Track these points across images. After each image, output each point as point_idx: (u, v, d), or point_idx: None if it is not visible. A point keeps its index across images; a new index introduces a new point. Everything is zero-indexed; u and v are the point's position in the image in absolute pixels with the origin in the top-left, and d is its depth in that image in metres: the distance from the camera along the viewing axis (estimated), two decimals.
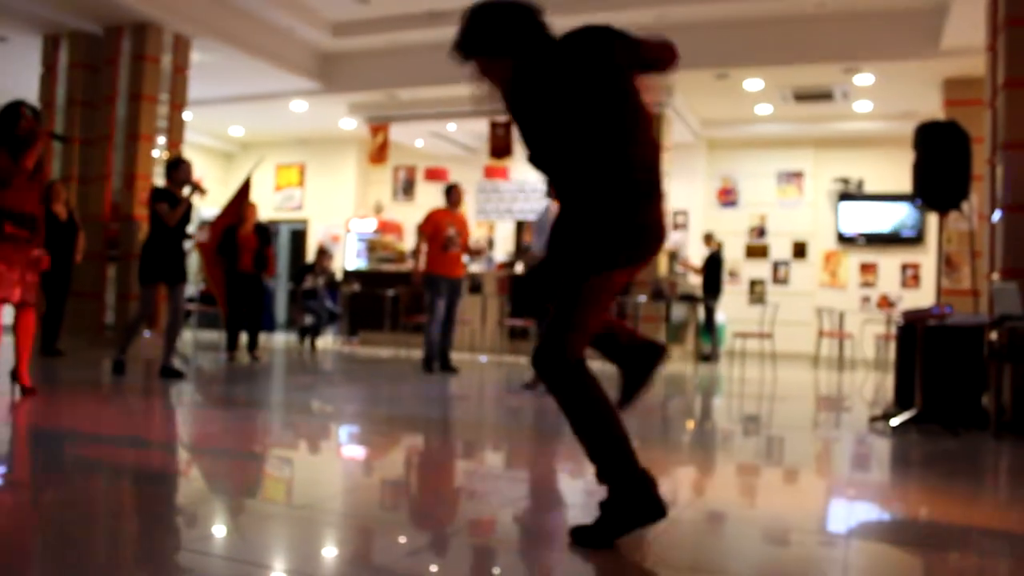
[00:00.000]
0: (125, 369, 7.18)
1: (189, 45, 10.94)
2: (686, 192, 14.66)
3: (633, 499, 2.67)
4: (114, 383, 6.84)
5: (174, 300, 7.15)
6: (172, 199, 7.06)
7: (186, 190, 7.13)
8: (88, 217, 10.47)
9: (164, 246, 7.09)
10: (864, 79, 11.26)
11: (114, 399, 6.18)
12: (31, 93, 11.41)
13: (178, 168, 7.22)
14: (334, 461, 4.40)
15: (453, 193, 8.88)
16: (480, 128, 13.74)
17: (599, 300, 2.78)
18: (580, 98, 2.69)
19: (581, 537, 2.70)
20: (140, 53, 10.43)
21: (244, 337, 9.77)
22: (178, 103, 10.88)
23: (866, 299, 14.15)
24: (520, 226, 15.99)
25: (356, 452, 4.64)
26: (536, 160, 2.84)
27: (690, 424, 6.31)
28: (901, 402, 6.20)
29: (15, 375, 5.61)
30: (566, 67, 2.72)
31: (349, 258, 15.61)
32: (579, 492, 3.54)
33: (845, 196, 14.39)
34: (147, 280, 7.13)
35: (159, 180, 10.64)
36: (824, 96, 12.31)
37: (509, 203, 15.94)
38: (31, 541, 2.60)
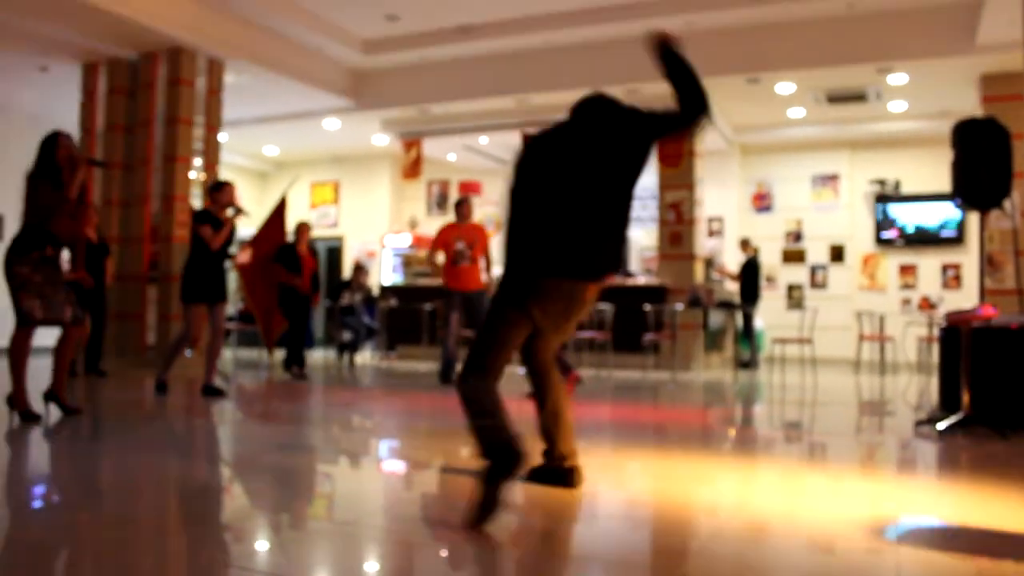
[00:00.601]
0: (168, 388, 7.27)
1: (222, 68, 11.08)
2: (720, 198, 14.59)
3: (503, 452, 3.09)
4: (157, 402, 6.93)
5: (215, 319, 7.26)
6: (215, 222, 7.16)
7: (229, 212, 7.24)
8: (129, 239, 10.63)
9: (206, 266, 7.20)
10: (898, 78, 11.14)
11: (157, 418, 6.25)
12: (72, 120, 11.63)
13: (221, 190, 7.32)
14: (375, 476, 4.41)
15: (463, 207, 9.09)
16: (513, 140, 13.76)
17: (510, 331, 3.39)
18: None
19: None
20: (175, 77, 10.58)
21: (281, 353, 9.83)
22: (213, 125, 11.01)
23: (907, 301, 13.96)
24: None
25: (397, 466, 4.65)
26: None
27: (731, 431, 6.25)
28: (947, 405, 6.10)
29: (52, 396, 5.72)
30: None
31: (385, 273, 15.69)
32: (621, 503, 3.52)
33: (882, 198, 14.23)
34: (189, 299, 7.24)
35: (197, 202, 10.79)
36: (858, 97, 12.18)
37: None
38: (80, 559, 2.64)
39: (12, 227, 13.26)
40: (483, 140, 14.50)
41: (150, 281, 10.58)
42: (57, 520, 3.17)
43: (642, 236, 15.06)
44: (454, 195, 16.63)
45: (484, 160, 15.76)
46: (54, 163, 5.60)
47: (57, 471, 4.28)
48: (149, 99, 10.75)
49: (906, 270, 14.14)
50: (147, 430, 5.63)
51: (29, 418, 5.44)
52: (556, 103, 12.40)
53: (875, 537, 3.09)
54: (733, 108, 13.04)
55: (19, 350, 5.51)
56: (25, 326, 5.48)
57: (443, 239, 8.94)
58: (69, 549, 2.77)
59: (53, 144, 5.65)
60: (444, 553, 2.84)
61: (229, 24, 10.70)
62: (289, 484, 3.94)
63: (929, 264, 14.00)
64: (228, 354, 12.17)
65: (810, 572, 2.69)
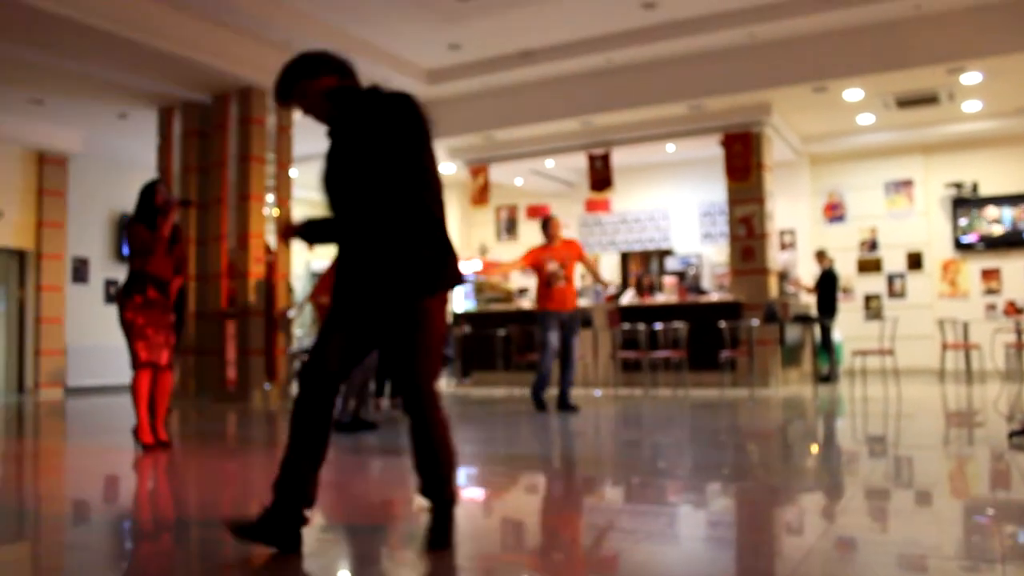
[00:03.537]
0: (374, 424, 7.31)
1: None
2: (791, 210, 14.38)
3: (281, 522, 2.98)
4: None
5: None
6: None
7: None
8: (207, 277, 10.91)
9: None
10: (971, 78, 10.86)
11: (241, 451, 6.38)
12: (149, 163, 12.04)
13: None
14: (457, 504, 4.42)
15: (549, 226, 8.76)
16: (578, 162, 13.78)
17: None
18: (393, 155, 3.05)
19: (237, 528, 2.99)
20: (246, 116, 10.87)
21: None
22: (284, 161, 11.27)
23: (991, 307, 13.55)
24: (625, 258, 15.93)
25: (477, 493, 4.66)
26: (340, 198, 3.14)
27: (814, 447, 6.13)
28: None
29: (138, 432, 5.99)
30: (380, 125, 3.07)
31: (458, 300, 15.78)
32: (704, 524, 3.48)
33: (959, 201, 13.87)
34: None
35: (271, 238, 11.04)
36: (929, 100, 11.92)
37: (612, 235, 15.91)
38: None
39: (97, 269, 13.82)
40: (549, 163, 14.56)
41: (228, 317, 10.83)
42: (159, 545, 3.25)
43: (713, 252, 14.92)
44: (523, 219, 16.72)
45: (551, 183, 15.82)
46: (152, 208, 5.99)
47: (160, 501, 4.40)
48: (222, 139, 11.06)
49: (989, 275, 13.73)
50: (229, 464, 5.76)
51: (148, 449, 5.90)
52: (620, 123, 12.51)
53: (971, 554, 2.99)
54: (800, 118, 12.88)
55: (136, 390, 5.93)
56: (136, 368, 5.92)
57: (533, 259, 8.63)
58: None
59: (151, 191, 6.06)
60: None
61: None
62: (371, 512, 3.98)
63: (1014, 267, 13.58)
64: None
65: None
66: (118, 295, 5.99)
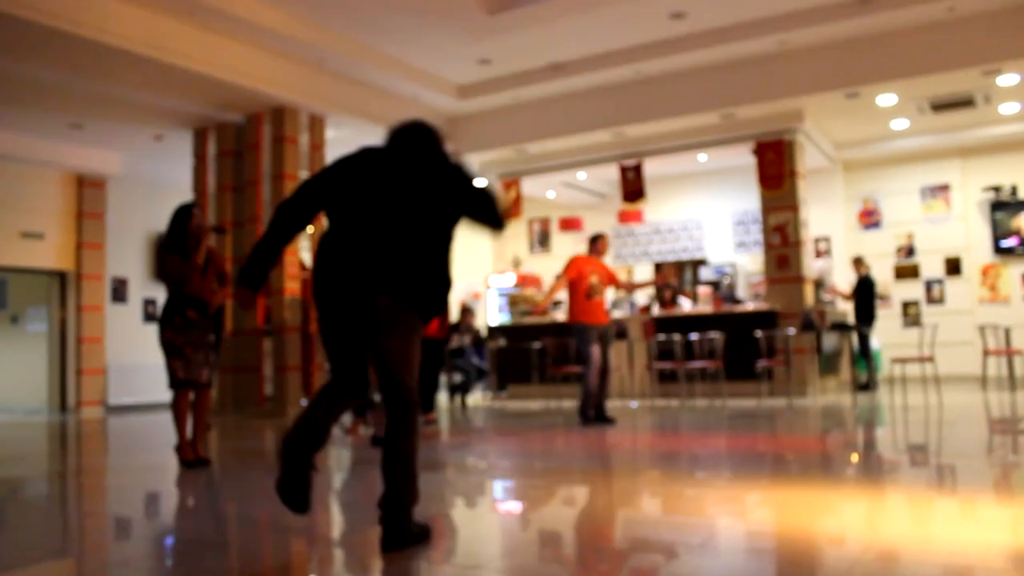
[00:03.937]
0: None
1: (323, 123, 11.45)
2: (826, 218, 14.27)
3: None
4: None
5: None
6: None
7: None
8: None
9: None
10: (1008, 79, 10.72)
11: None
12: (185, 183, 12.20)
13: None
14: (495, 517, 4.42)
15: (600, 242, 8.83)
16: (610, 174, 13.77)
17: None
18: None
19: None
20: (279, 135, 10.98)
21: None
22: None
23: None
24: (659, 268, 15.87)
25: (515, 506, 4.66)
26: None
27: (854, 457, 6.06)
28: None
29: (179, 449, 6.06)
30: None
31: (491, 314, 15.80)
32: (744, 536, 3.45)
33: (998, 205, 13.67)
34: None
35: (306, 255, 11.13)
36: (965, 103, 11.78)
37: (645, 245, 15.88)
38: None
39: (136, 289, 14.00)
40: (581, 175, 14.56)
41: (265, 335, 10.92)
42: (202, 559, 3.28)
43: (748, 261, 14.83)
44: (555, 232, 16.73)
45: (583, 195, 15.82)
46: (185, 233, 6.07)
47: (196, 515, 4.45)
48: (256, 158, 11.19)
49: None
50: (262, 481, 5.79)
51: (190, 466, 5.98)
52: (652, 133, 12.49)
53: (1019, 566, 2.94)
54: (833, 125, 12.79)
55: (176, 408, 6.05)
56: (173, 387, 6.03)
57: (579, 268, 8.62)
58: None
59: (187, 216, 6.13)
60: None
61: (328, 81, 11.07)
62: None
63: None
64: None
65: None
66: (159, 317, 6.08)
